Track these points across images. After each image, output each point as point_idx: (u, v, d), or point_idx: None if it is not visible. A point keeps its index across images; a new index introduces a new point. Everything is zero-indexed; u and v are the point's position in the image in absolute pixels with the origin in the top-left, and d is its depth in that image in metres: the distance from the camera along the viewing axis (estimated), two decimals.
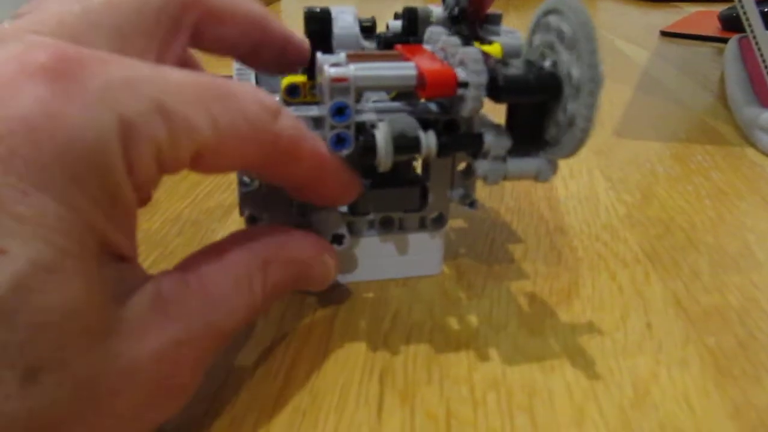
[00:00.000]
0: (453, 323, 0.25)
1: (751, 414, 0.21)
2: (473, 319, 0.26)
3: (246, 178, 0.26)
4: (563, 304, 0.27)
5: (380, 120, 0.24)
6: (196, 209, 0.35)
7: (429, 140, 0.23)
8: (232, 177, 0.39)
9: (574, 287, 0.28)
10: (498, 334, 0.25)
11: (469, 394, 0.22)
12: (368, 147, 0.23)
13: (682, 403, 0.21)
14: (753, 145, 0.45)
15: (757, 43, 0.45)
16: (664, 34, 0.86)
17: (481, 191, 0.37)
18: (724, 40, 0.79)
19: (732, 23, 0.82)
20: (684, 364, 0.23)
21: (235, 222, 0.33)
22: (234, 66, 0.32)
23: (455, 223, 0.33)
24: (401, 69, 0.24)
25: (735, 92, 0.51)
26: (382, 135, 0.23)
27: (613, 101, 0.56)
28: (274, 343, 0.24)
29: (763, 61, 0.45)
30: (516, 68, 0.23)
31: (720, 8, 0.89)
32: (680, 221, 0.34)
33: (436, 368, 0.23)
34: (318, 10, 0.27)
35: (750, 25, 0.45)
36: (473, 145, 0.24)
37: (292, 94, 0.28)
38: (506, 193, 0.37)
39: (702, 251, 0.31)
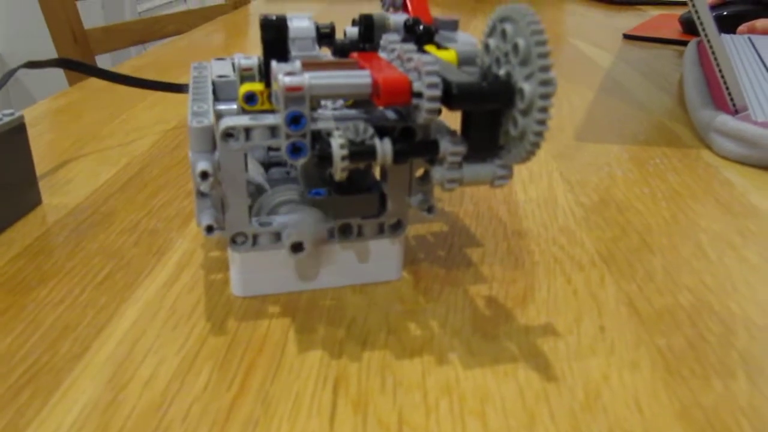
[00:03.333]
0: (408, 329, 0.25)
1: (698, 414, 0.21)
2: (429, 325, 0.26)
3: (203, 189, 0.26)
4: (518, 308, 0.27)
5: (336, 128, 0.24)
6: (153, 218, 0.34)
7: (385, 148, 0.24)
8: (191, 186, 0.38)
9: (529, 291, 0.28)
10: (453, 339, 0.25)
11: (422, 400, 0.22)
12: (324, 156, 0.23)
13: (631, 405, 0.22)
14: (708, 147, 0.46)
15: (711, 47, 0.46)
16: (627, 37, 0.87)
17: (441, 196, 0.37)
18: (685, 43, 0.80)
19: (692, 26, 0.84)
20: (635, 366, 0.24)
21: (193, 231, 0.33)
22: (192, 68, 0.32)
23: (414, 228, 0.34)
24: (356, 77, 0.24)
25: (692, 95, 0.52)
26: (337, 143, 0.23)
27: (574, 104, 0.57)
28: (228, 352, 0.24)
29: (717, 64, 0.47)
30: (470, 76, 0.24)
31: (681, 12, 0.91)
32: (636, 223, 0.35)
33: (390, 375, 0.23)
34: (274, 17, 0.27)
35: (704, 29, 0.46)
36: (429, 152, 0.24)
37: (249, 101, 0.28)
38: (465, 198, 0.37)
39: (656, 253, 0.32)
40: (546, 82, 0.21)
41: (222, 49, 0.78)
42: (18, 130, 0.34)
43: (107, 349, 0.24)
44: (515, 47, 0.22)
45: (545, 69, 0.21)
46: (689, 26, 0.85)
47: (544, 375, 0.23)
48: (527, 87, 0.22)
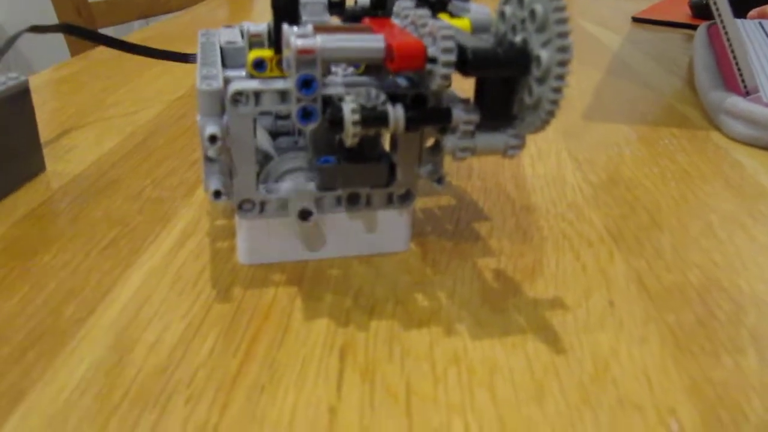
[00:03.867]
0: (416, 300, 0.25)
1: (708, 390, 0.21)
2: (436, 296, 0.25)
3: (211, 153, 0.25)
4: (527, 282, 0.27)
5: (347, 93, 0.23)
6: (158, 187, 0.34)
7: (397, 114, 0.23)
8: (197, 156, 0.38)
9: (538, 265, 0.28)
10: (461, 311, 0.25)
11: (430, 370, 0.22)
12: (335, 120, 0.23)
13: (641, 379, 0.22)
14: (718, 128, 0.45)
15: (725, 30, 0.46)
16: (636, 20, 0.86)
17: (448, 170, 0.37)
18: (694, 27, 0.79)
19: (702, 10, 0.83)
20: (644, 341, 0.23)
21: (198, 200, 0.33)
22: (199, 35, 0.32)
23: (421, 201, 0.33)
24: (369, 41, 0.23)
25: (702, 77, 0.52)
26: (349, 108, 0.23)
27: (582, 85, 0.56)
28: (234, 319, 0.24)
29: (731, 47, 0.46)
30: (485, 42, 0.23)
31: None
32: (645, 202, 0.34)
33: (398, 344, 0.23)
34: None
35: (719, 12, 0.45)
36: (442, 120, 0.24)
37: (258, 68, 0.28)
38: (474, 173, 0.37)
39: (665, 231, 0.31)
40: (564, 49, 0.21)
41: (226, 23, 0.77)
42: (23, 94, 0.33)
43: (112, 313, 0.24)
44: (532, 13, 0.22)
45: (563, 35, 0.21)
46: (699, 10, 0.84)
47: (552, 347, 0.23)
48: (544, 54, 0.21)
